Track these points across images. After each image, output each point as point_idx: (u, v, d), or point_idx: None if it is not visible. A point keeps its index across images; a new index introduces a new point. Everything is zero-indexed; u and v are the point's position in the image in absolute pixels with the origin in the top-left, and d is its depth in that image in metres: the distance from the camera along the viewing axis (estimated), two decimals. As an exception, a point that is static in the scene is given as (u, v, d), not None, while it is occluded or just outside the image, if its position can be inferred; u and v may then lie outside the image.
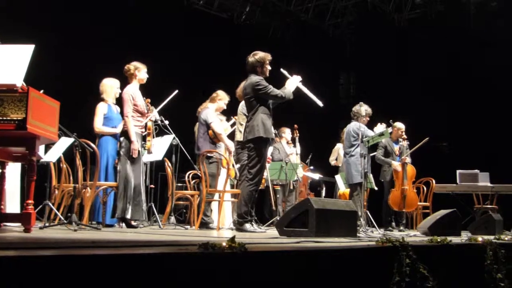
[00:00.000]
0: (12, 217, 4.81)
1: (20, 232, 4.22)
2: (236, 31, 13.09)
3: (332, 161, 10.02)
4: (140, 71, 6.32)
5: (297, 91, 6.28)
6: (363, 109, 7.84)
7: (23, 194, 4.95)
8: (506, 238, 6.24)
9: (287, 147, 9.26)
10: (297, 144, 9.34)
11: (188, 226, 7.00)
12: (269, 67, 6.19)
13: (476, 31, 12.57)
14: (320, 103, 6.45)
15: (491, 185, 9.27)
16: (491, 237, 5.99)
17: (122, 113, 6.37)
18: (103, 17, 9.38)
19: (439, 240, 4.82)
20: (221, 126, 7.29)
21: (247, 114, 6.26)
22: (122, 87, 6.46)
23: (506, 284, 5.31)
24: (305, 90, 6.34)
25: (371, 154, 8.16)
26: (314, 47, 13.85)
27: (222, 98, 7.43)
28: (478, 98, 12.36)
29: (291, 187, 9.10)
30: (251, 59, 6.13)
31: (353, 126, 7.90)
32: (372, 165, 8.29)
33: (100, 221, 6.48)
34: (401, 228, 8.54)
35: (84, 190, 6.39)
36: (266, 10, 14.04)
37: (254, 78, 6.06)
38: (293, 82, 6.20)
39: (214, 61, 11.00)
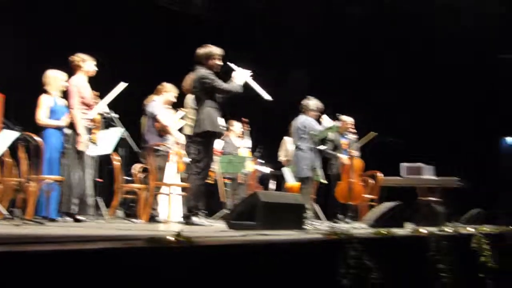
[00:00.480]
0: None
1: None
2: (190, 23, 12.96)
3: (281, 157, 10.06)
4: (86, 63, 6.23)
5: (246, 85, 6.28)
6: (312, 103, 7.90)
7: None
8: (449, 230, 6.42)
9: (236, 141, 9.28)
10: (247, 137, 9.38)
11: (136, 220, 6.93)
12: (219, 62, 6.14)
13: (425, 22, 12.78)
14: (268, 97, 6.47)
15: (435, 178, 9.48)
16: (435, 229, 6.15)
17: (68, 105, 6.26)
18: (49, 6, 9.17)
19: (384, 232, 4.92)
20: (168, 118, 7.24)
21: (195, 108, 6.24)
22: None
23: (448, 274, 5.46)
24: (254, 84, 6.33)
25: (320, 148, 8.23)
26: (264, 37, 13.82)
27: (168, 90, 7.35)
28: (424, 93, 12.65)
29: (240, 181, 9.13)
30: (200, 51, 6.10)
31: (301, 120, 7.95)
32: (321, 158, 8.38)
33: (45, 216, 6.36)
34: (348, 220, 8.64)
35: (27, 184, 6.26)
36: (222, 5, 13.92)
37: (201, 71, 6.03)
38: (241, 76, 6.18)
39: (165, 54, 10.89)
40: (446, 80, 12.63)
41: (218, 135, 6.25)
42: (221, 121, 8.04)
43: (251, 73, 6.27)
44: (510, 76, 13.05)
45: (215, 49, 6.13)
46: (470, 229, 7.08)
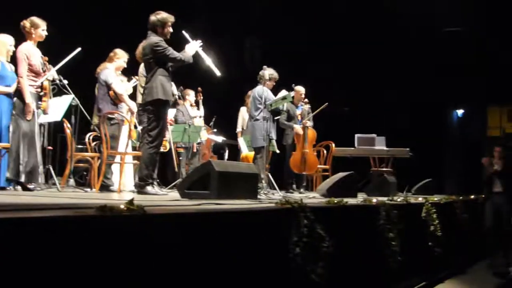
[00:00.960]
0: None
1: None
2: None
3: (239, 127, 10.04)
4: (37, 28, 6.07)
5: (197, 55, 6.23)
6: (267, 73, 7.90)
7: None
8: (398, 200, 6.56)
9: (190, 110, 9.21)
10: (201, 106, 9.33)
11: (88, 189, 6.86)
12: (170, 29, 6.07)
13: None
14: (218, 72, 6.46)
15: (387, 148, 9.65)
16: (385, 199, 6.27)
17: (16, 72, 6.10)
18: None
19: (336, 201, 4.98)
20: (122, 86, 7.14)
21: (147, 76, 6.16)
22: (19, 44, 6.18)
23: (397, 242, 5.59)
24: (204, 56, 6.29)
25: (276, 118, 8.25)
26: (217, 8, 13.72)
27: (120, 56, 7.23)
28: (375, 65, 12.78)
29: (194, 150, 9.10)
30: (153, 17, 5.99)
31: (257, 90, 7.96)
32: (276, 128, 8.40)
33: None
34: (302, 190, 8.73)
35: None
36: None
37: (153, 39, 5.94)
38: (193, 47, 6.13)
39: (118, 20, 10.68)
40: (397, 53, 12.77)
41: (171, 103, 6.18)
42: (173, 90, 7.99)
43: (201, 44, 6.21)
44: (456, 48, 13.34)
45: (168, 16, 6.04)
46: (420, 199, 7.25)
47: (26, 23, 6.07)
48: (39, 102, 6.13)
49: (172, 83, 7.61)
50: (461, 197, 9.01)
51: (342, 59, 12.95)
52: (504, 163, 8.03)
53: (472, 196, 9.71)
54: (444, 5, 12.99)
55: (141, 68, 7.03)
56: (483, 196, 8.45)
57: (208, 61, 6.33)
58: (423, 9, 12.50)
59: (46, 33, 6.15)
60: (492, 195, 8.17)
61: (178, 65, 6.12)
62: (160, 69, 5.93)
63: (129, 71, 7.56)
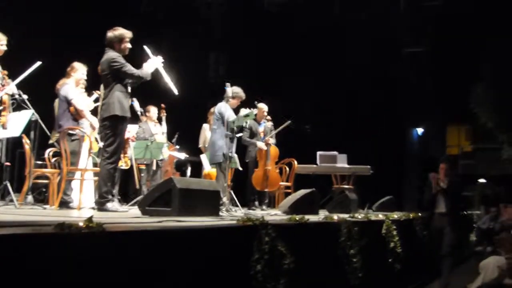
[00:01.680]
0: None
1: None
2: (108, 5, 12.70)
3: (201, 144, 10.03)
4: None
5: (157, 72, 6.21)
6: (229, 90, 7.92)
7: None
8: (359, 217, 6.62)
9: (153, 126, 9.17)
10: (164, 123, 9.29)
11: (47, 206, 6.75)
12: (128, 45, 6.04)
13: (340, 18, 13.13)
14: (175, 91, 6.47)
15: (348, 166, 9.73)
16: (346, 216, 6.32)
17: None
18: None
19: (297, 218, 5.00)
20: (83, 102, 7.07)
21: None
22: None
23: (358, 259, 5.63)
24: (164, 73, 6.28)
25: (238, 135, 8.26)
26: (184, 27, 13.77)
27: (77, 69, 7.14)
28: (337, 85, 12.94)
29: (154, 167, 9.04)
30: (110, 34, 5.97)
31: (218, 106, 7.96)
32: (238, 145, 8.40)
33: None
34: (264, 207, 8.73)
35: None
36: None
37: (110, 54, 5.91)
38: (153, 63, 6.11)
39: (82, 35, 10.61)
40: (360, 73, 12.97)
41: (127, 119, 6.11)
42: (136, 106, 7.94)
43: (162, 61, 6.20)
44: (417, 68, 13.64)
45: (126, 32, 6.02)
46: (380, 216, 7.33)
47: None
48: (-2, 117, 6.05)
49: (135, 99, 7.59)
50: (420, 215, 9.15)
51: (305, 78, 13.08)
52: (450, 181, 7.48)
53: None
54: (405, 26, 13.30)
55: (104, 83, 6.99)
56: (426, 216, 8.09)
57: (167, 79, 6.32)
58: (384, 31, 12.76)
59: (6, 48, 6.07)
60: (434, 215, 7.62)
61: (136, 82, 6.07)
62: (117, 85, 5.90)
63: (91, 86, 7.49)
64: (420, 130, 16.00)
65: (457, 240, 7.39)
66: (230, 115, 7.64)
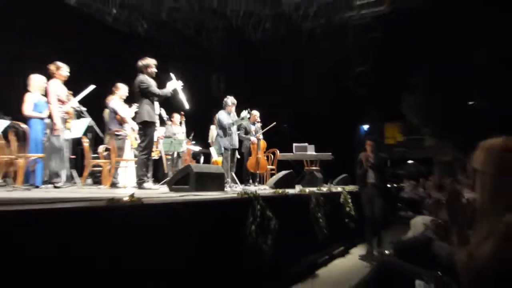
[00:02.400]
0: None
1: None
2: (135, 42, 12.68)
3: (209, 140, 10.04)
4: (60, 70, 5.98)
5: (175, 91, 6.23)
6: (229, 100, 7.96)
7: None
8: (324, 189, 6.67)
9: (174, 128, 9.18)
10: (183, 125, 9.30)
11: (101, 186, 6.75)
12: (154, 70, 6.06)
13: (306, 48, 13.16)
14: (186, 106, 6.52)
15: (315, 153, 9.76)
16: (315, 189, 6.37)
17: (48, 101, 5.99)
18: (34, 27, 8.72)
19: (280, 191, 5.05)
20: (125, 111, 7.08)
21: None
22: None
23: (323, 220, 5.69)
24: (181, 93, 6.28)
25: (237, 133, 8.28)
26: (193, 55, 13.74)
27: (120, 88, 7.18)
28: (309, 95, 12.96)
29: (178, 156, 9.04)
30: (139, 62, 6.03)
31: (218, 114, 8.03)
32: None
33: (31, 184, 6.09)
34: (256, 184, 8.77)
35: (17, 160, 5.98)
36: (158, 26, 13.69)
37: (140, 77, 5.94)
38: (173, 85, 6.12)
39: (119, 62, 10.59)
40: (323, 88, 12.99)
41: (155, 123, 6.08)
42: (162, 113, 7.93)
43: (182, 84, 6.21)
44: (363, 82, 13.75)
45: (150, 60, 6.05)
46: (339, 189, 7.38)
47: (52, 66, 5.98)
48: (65, 124, 6.04)
49: (162, 109, 7.58)
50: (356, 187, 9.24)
51: (282, 90, 13.11)
52: (376, 156, 6.72)
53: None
54: (353, 52, 13.36)
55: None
56: (358, 188, 7.12)
57: (182, 96, 6.34)
58: (339, 56, 12.82)
59: (68, 74, 6.06)
60: (365, 186, 6.69)
61: (159, 98, 6.06)
62: (145, 99, 5.92)
63: (130, 99, 7.50)
64: (366, 127, 16.06)
65: (384, 207, 6.58)
66: (222, 120, 7.72)
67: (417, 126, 14.31)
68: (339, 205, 6.92)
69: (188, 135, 9.79)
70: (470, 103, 12.72)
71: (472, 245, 2.06)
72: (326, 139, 11.92)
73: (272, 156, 9.46)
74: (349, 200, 7.14)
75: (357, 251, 7.13)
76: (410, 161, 17.35)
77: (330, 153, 9.86)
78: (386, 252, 5.70)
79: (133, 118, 7.17)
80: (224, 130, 7.86)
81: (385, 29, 13.07)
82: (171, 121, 9.16)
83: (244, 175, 8.92)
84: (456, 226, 2.19)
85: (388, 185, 10.58)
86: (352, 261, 6.36)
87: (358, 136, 15.67)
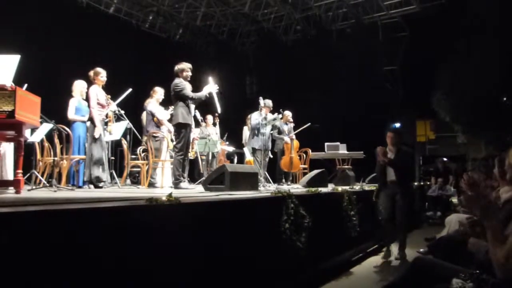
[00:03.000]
0: (6, 183, 4.57)
1: (12, 194, 4.01)
2: (171, 47, 12.85)
3: (243, 140, 10.06)
4: (99, 75, 6.09)
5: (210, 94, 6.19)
6: (265, 102, 7.96)
7: (15, 166, 4.71)
8: (356, 188, 6.55)
9: (209, 129, 9.24)
10: (217, 126, 9.35)
11: (140, 186, 6.86)
12: (189, 73, 6.06)
13: (336, 49, 13.02)
14: (219, 110, 6.51)
15: (347, 152, 9.64)
16: (347, 187, 6.26)
17: (88, 105, 6.13)
18: (75, 35, 8.95)
19: (313, 190, 4.99)
20: (162, 114, 7.17)
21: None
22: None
23: (356, 218, 5.59)
24: (215, 97, 6.24)
25: (270, 132, 8.26)
26: (227, 59, 13.82)
27: (157, 91, 7.27)
28: (339, 95, 12.81)
29: (213, 157, 9.11)
30: (176, 67, 6.06)
31: (251, 116, 8.02)
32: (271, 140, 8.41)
33: (74, 184, 6.25)
34: (289, 183, 8.73)
35: (61, 161, 6.15)
36: (193, 32, 13.85)
37: (176, 80, 5.98)
38: (209, 89, 6.10)
39: (156, 67, 10.74)
40: (354, 88, 12.79)
41: (190, 125, 6.07)
42: (197, 115, 7.96)
43: (218, 88, 6.19)
44: (393, 80, 13.46)
45: (185, 65, 6.06)
46: (371, 187, 7.24)
47: (91, 72, 6.11)
48: (105, 126, 6.16)
49: (197, 111, 7.62)
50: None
51: (313, 90, 13.00)
52: (397, 150, 5.85)
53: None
54: (382, 51, 13.14)
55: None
56: (377, 187, 6.38)
57: (217, 101, 6.32)
58: (368, 55, 12.63)
59: (105, 78, 6.16)
60: (385, 185, 5.91)
61: (192, 101, 6.04)
62: (180, 102, 5.95)
63: (167, 102, 7.58)
64: (397, 125, 15.73)
65: (407, 207, 5.82)
66: (253, 121, 7.69)
67: (449, 123, 13.90)
68: (371, 203, 6.79)
69: (222, 136, 9.85)
70: (504, 99, 12.28)
71: (509, 244, 1.96)
72: (357, 137, 11.74)
73: (305, 156, 9.39)
74: (381, 199, 6.98)
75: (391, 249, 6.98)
76: (443, 159, 16.86)
77: (362, 152, 9.71)
78: (421, 250, 5.52)
79: (169, 120, 7.27)
80: (254, 130, 7.85)
81: (414, 27, 12.78)
82: (205, 122, 9.22)
83: (277, 174, 8.89)
84: (491, 224, 2.09)
85: (415, 183, 10.15)
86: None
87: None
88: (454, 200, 10.22)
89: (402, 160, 5.84)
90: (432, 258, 2.86)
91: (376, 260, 6.05)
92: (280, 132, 8.87)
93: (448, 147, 16.18)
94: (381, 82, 13.74)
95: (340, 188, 5.89)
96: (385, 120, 14.64)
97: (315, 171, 7.16)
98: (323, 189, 5.48)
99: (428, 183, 11.82)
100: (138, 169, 7.58)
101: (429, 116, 15.50)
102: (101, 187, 5.81)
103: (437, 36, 11.95)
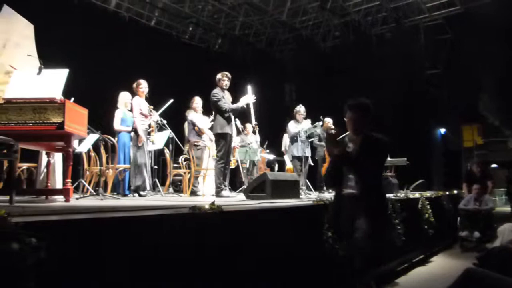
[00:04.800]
0: (56, 191, 4.75)
1: (62, 202, 4.16)
2: (211, 57, 13.04)
3: (282, 148, 10.05)
4: (140, 87, 6.24)
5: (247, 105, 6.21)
6: (300, 109, 7.94)
7: (64, 175, 4.90)
8: (400, 196, 6.40)
9: (249, 137, 9.28)
10: (257, 134, 9.38)
11: (182, 194, 6.96)
12: (226, 82, 6.13)
13: (376, 54, 12.81)
14: (253, 121, 6.58)
15: (390, 159, 9.43)
16: (391, 195, 6.13)
17: (132, 116, 6.29)
18: (118, 49, 9.23)
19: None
20: (203, 123, 7.26)
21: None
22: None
23: (401, 227, 5.44)
24: (251, 108, 6.26)
25: (310, 140, 8.20)
26: (266, 67, 13.86)
27: (197, 102, 7.39)
28: (381, 100, 12.54)
29: (253, 165, 9.12)
30: (216, 76, 6.17)
31: (289, 124, 7.99)
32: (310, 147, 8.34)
33: (119, 192, 6.41)
34: (330, 191, 8.60)
35: (107, 171, 6.32)
36: (232, 41, 14.00)
37: (214, 90, 6.10)
38: (246, 100, 6.14)
39: (197, 77, 10.92)
40: (398, 94, 12.52)
41: (229, 134, 6.09)
42: (238, 124, 7.99)
43: (254, 99, 6.20)
44: (436, 84, 13.10)
45: (222, 74, 6.16)
46: (416, 195, 7.07)
47: (134, 84, 6.29)
48: (149, 136, 6.30)
49: (237, 119, 7.67)
50: (446, 192, 8.73)
51: (353, 97, 12.79)
52: (363, 140, 3.56)
53: (455, 191, 9.40)
54: (424, 54, 12.84)
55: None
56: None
57: (252, 113, 6.35)
58: (410, 59, 12.36)
59: (147, 89, 6.30)
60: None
61: (225, 112, 6.04)
62: (218, 111, 6.02)
63: (209, 111, 7.67)
64: (442, 130, 15.27)
65: (378, 239, 4.01)
66: (290, 130, 7.65)
67: (499, 127, 13.37)
68: (417, 211, 6.61)
69: (262, 144, 9.86)
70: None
71: None
72: (401, 143, 11.46)
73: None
74: (428, 207, 6.80)
75: (438, 260, 6.77)
76: (493, 165, 16.22)
77: (405, 159, 9.47)
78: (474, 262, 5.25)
79: (211, 129, 7.36)
80: (292, 138, 7.82)
81: (457, 29, 12.40)
82: (245, 130, 9.26)
83: (318, 182, 8.80)
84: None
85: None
86: (433, 270, 6.03)
87: (434, 140, 14.93)
88: (504, 209, 9.45)
89: (370, 157, 3.33)
90: (484, 269, 2.74)
91: (422, 270, 5.88)
92: (320, 139, 8.79)
93: (497, 153, 15.55)
94: (424, 87, 13.38)
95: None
96: (429, 125, 14.27)
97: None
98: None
99: (456, 191, 9.57)
100: (180, 177, 7.68)
101: (476, 121, 14.99)
102: (144, 195, 5.94)
103: (482, 37, 11.54)
